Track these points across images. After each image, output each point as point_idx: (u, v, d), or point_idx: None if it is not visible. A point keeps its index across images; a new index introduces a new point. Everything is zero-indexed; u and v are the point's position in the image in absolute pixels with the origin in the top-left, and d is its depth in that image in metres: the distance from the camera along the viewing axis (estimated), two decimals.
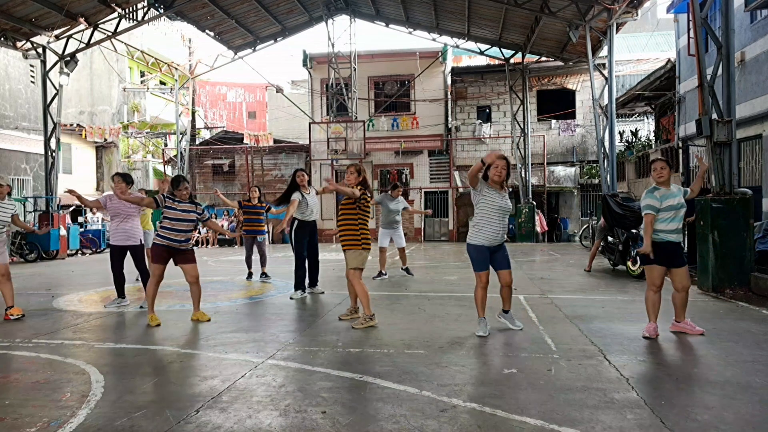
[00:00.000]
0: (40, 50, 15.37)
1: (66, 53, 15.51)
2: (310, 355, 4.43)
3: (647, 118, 22.40)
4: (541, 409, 3.18)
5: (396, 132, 21.41)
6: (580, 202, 20.92)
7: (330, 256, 13.67)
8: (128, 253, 6.75)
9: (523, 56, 19.56)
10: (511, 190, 5.30)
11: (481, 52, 20.34)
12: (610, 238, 10.04)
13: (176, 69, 21.65)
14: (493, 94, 21.53)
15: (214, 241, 20.28)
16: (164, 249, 5.73)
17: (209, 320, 5.85)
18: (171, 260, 5.82)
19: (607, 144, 14.54)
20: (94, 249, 17.45)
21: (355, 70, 20.39)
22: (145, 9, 15.41)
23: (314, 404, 3.31)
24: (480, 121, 21.60)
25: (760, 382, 3.61)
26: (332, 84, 20.48)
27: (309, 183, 7.72)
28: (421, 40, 20.37)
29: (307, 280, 7.64)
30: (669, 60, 15.98)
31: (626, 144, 20.72)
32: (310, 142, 19.99)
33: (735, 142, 7.67)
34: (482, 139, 21.42)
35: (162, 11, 15.61)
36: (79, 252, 17.02)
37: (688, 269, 5.01)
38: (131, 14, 15.99)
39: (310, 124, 20.30)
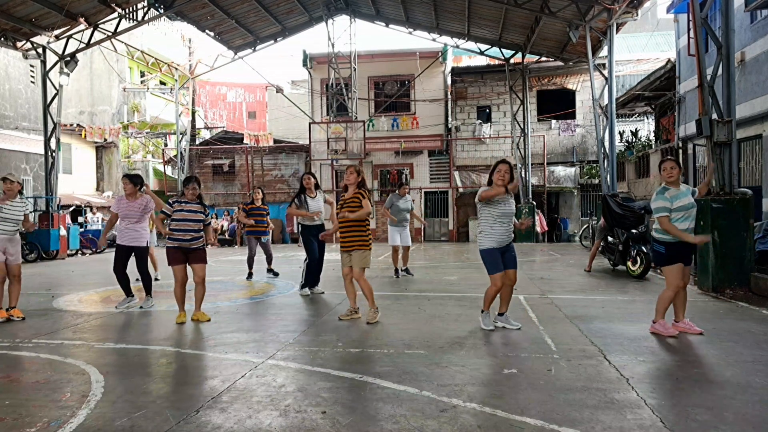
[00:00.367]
0: (40, 50, 15.36)
1: (66, 53, 15.51)
2: (310, 355, 4.43)
3: (647, 118, 22.39)
4: (541, 409, 3.18)
5: (396, 132, 21.41)
6: (580, 202, 20.91)
7: (329, 256, 13.65)
8: (132, 254, 6.77)
9: (523, 56, 19.55)
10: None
11: (481, 52, 20.34)
12: (610, 238, 10.05)
13: (176, 69, 21.65)
14: (493, 94, 21.53)
15: (214, 241, 20.25)
16: (176, 250, 5.86)
17: (209, 320, 5.87)
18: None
19: (607, 144, 14.54)
20: (94, 249, 17.46)
21: (355, 70, 20.39)
22: (145, 9, 15.41)
23: (314, 404, 3.31)
24: (480, 121, 21.60)
25: (760, 382, 3.61)
26: (332, 84, 20.48)
27: (317, 187, 7.73)
28: (421, 40, 20.38)
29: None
30: (669, 60, 15.98)
31: (626, 144, 20.71)
32: (310, 142, 19.98)
33: (735, 142, 7.67)
34: (482, 139, 21.41)
35: (162, 11, 15.61)
36: (79, 252, 17.02)
37: (691, 267, 5.06)
38: (131, 14, 15.99)
39: (310, 124, 20.30)
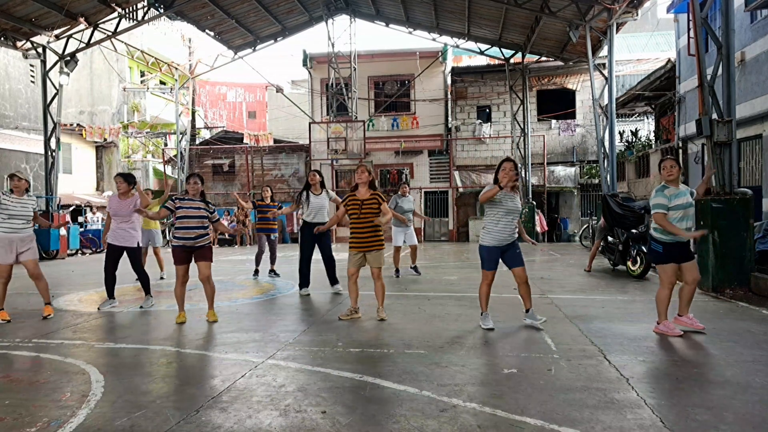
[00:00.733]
0: (40, 50, 15.37)
1: (66, 53, 15.51)
2: (310, 355, 4.43)
3: (647, 118, 22.39)
4: (541, 409, 3.18)
5: (396, 132, 21.41)
6: (580, 202, 20.91)
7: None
8: (124, 254, 6.75)
9: (523, 56, 19.55)
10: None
11: (481, 52, 20.34)
12: (610, 238, 10.04)
13: (176, 69, 21.65)
14: (493, 94, 21.53)
15: (214, 241, 20.28)
16: (181, 249, 5.83)
17: (216, 321, 5.84)
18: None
19: (607, 144, 14.54)
20: (94, 249, 17.46)
21: (355, 70, 20.39)
22: (145, 9, 15.41)
23: (314, 404, 3.31)
24: (480, 121, 21.60)
25: (760, 382, 3.60)
26: (332, 84, 20.48)
27: (322, 185, 7.71)
28: (421, 40, 20.40)
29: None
30: (669, 60, 15.98)
31: (626, 144, 20.71)
32: (310, 142, 19.98)
33: (735, 142, 7.67)
34: (482, 139, 21.42)
35: (162, 11, 15.61)
36: (79, 252, 17.03)
37: (696, 261, 5.05)
38: (131, 14, 16.00)
39: (310, 124, 20.30)
